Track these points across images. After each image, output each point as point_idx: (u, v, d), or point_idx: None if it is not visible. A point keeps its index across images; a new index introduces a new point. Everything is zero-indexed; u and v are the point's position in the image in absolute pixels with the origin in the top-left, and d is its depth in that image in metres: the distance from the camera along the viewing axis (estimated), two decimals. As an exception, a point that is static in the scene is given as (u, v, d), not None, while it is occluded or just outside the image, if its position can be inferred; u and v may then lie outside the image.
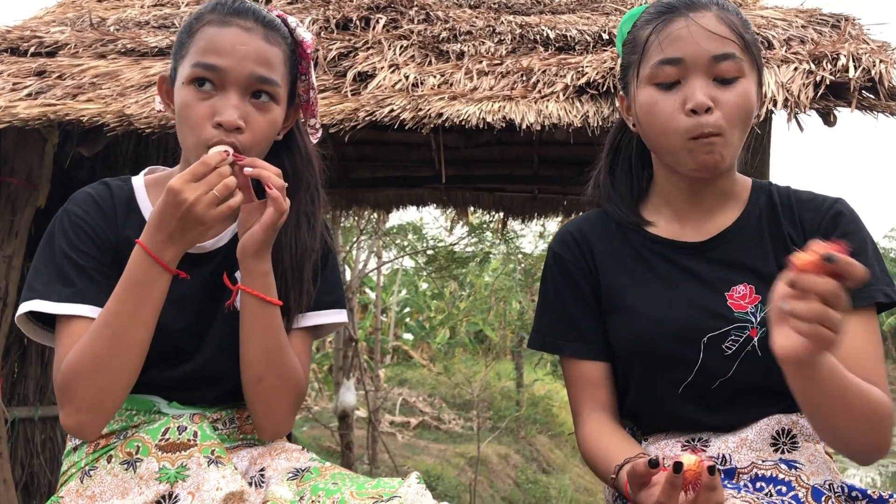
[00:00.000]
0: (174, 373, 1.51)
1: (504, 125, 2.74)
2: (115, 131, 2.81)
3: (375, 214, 7.27)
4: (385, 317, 15.47)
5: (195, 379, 1.52)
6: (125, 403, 1.50)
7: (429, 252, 9.33)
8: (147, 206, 1.52)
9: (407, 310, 17.51)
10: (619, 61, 1.59)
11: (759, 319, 1.44)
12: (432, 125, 2.72)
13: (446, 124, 2.72)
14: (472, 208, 6.58)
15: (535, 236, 10.64)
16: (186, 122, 1.42)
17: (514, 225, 7.12)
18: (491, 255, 9.64)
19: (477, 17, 3.77)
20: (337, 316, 1.64)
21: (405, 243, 11.51)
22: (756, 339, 1.43)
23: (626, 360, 1.54)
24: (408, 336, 17.98)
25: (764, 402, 1.46)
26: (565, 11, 4.03)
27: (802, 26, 3.52)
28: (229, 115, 1.38)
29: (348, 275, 9.60)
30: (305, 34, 1.54)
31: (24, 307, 1.43)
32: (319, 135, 1.69)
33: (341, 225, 7.52)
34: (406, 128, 2.75)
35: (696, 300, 1.47)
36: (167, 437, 1.40)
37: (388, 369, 14.30)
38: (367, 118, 2.76)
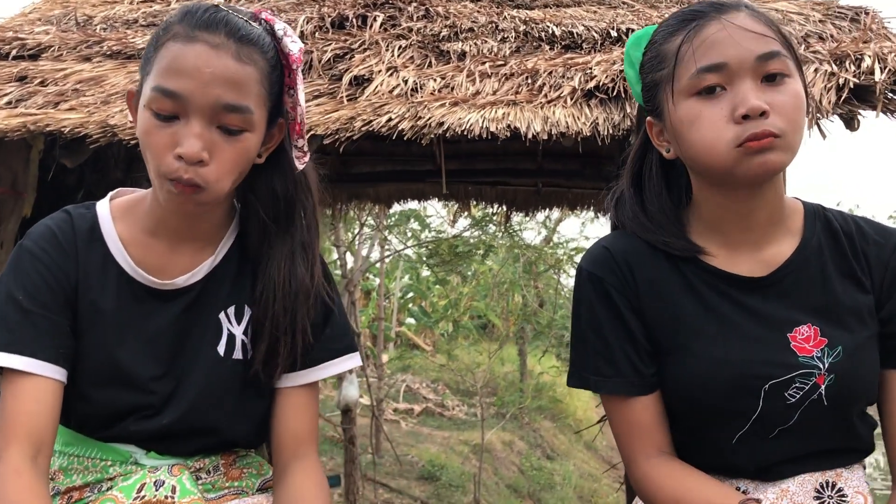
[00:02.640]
0: (150, 425, 1.37)
1: (508, 134, 2.60)
2: (98, 143, 2.66)
3: (376, 208, 7.13)
4: (388, 302, 15.39)
5: (174, 433, 1.39)
6: (100, 453, 1.40)
7: (429, 246, 9.20)
8: (112, 236, 1.38)
9: (410, 295, 17.43)
10: (640, 85, 1.40)
11: (826, 365, 1.29)
12: (433, 135, 2.58)
13: (447, 134, 2.57)
14: (474, 202, 6.45)
15: (538, 225, 10.53)
16: (148, 151, 1.26)
17: (518, 217, 6.97)
18: (493, 248, 9.51)
19: (479, 13, 3.61)
20: (350, 361, 1.51)
21: (408, 232, 11.39)
22: (823, 387, 1.29)
23: (675, 407, 1.38)
24: (410, 321, 17.92)
25: (819, 457, 1.34)
26: (571, 4, 3.86)
27: (820, 21, 3.36)
28: (190, 147, 1.21)
29: (350, 262, 9.49)
30: (293, 45, 1.34)
31: None
32: (307, 158, 1.48)
33: (343, 217, 7.39)
34: (405, 138, 2.60)
35: (756, 343, 1.32)
36: (143, 494, 1.30)
37: (391, 356, 14.23)
38: (363, 128, 2.62)
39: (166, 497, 1.29)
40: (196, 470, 1.42)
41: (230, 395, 1.42)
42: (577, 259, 10.53)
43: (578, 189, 5.96)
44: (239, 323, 1.44)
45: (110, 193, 1.46)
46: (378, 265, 11.60)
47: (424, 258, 9.65)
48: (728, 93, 1.23)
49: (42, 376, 1.27)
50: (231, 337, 1.43)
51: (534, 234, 10.63)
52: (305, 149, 1.45)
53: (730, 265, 1.36)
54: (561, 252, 10.46)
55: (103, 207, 1.41)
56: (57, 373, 1.29)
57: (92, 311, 1.36)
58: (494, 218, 7.40)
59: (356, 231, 8.87)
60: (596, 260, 1.42)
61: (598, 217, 6.62)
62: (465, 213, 6.79)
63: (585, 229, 11.27)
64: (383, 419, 9.82)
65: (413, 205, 7.32)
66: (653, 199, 1.43)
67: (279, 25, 1.34)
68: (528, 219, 6.94)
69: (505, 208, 6.33)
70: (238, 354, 1.43)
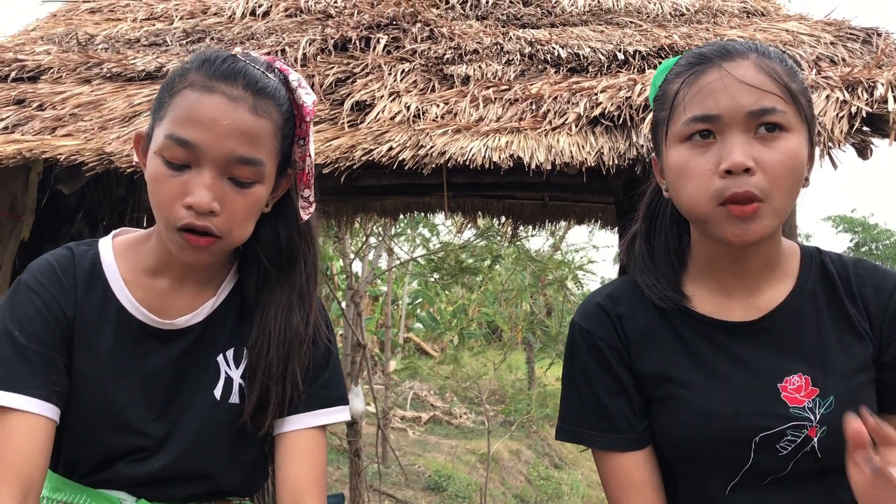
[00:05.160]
0: (142, 469, 1.34)
1: (511, 165, 2.54)
2: (94, 170, 2.62)
3: (382, 221, 7.10)
4: (396, 308, 15.37)
5: (167, 478, 1.35)
6: (88, 500, 1.36)
7: (435, 258, 9.17)
8: (114, 273, 1.36)
9: (419, 301, 17.41)
10: (650, 118, 1.40)
11: (818, 417, 1.25)
12: (434, 165, 2.52)
13: (449, 164, 2.52)
14: (480, 214, 6.39)
15: (546, 232, 10.46)
16: (156, 198, 1.24)
17: (525, 230, 6.91)
18: (500, 258, 9.46)
19: (484, 33, 3.55)
20: (342, 414, 1.47)
21: (416, 238, 11.35)
22: (816, 439, 1.25)
23: (667, 458, 1.36)
24: (419, 326, 17.91)
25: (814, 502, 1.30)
26: (577, 23, 3.80)
27: (831, 43, 3.29)
28: (201, 198, 1.20)
29: (359, 269, 9.45)
30: (307, 98, 1.34)
31: None
32: (313, 209, 1.47)
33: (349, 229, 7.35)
34: (406, 168, 2.55)
35: (745, 394, 1.28)
36: None
37: (399, 362, 14.19)
38: (363, 157, 2.56)
39: None
40: None
41: (225, 439, 1.39)
42: (586, 269, 10.47)
43: (585, 203, 5.89)
44: (237, 366, 1.41)
45: (113, 232, 1.45)
46: (386, 272, 11.60)
47: (429, 271, 9.61)
48: (718, 143, 1.20)
49: (34, 414, 1.24)
50: (228, 380, 1.40)
51: (541, 241, 10.61)
52: (311, 199, 1.44)
53: (722, 311, 1.34)
54: (567, 266, 10.41)
55: (105, 245, 1.40)
56: (49, 411, 1.26)
57: (88, 349, 1.33)
58: (501, 231, 7.34)
59: (362, 242, 8.83)
60: (588, 315, 1.42)
61: (604, 230, 6.55)
62: (471, 226, 6.74)
63: (594, 238, 11.18)
64: (390, 427, 9.77)
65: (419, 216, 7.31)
66: (661, 234, 1.43)
67: (293, 76, 1.34)
68: (534, 232, 6.87)
69: (511, 221, 6.27)
70: (235, 399, 1.40)
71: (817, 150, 2.54)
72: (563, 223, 6.78)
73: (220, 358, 1.40)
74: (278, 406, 1.38)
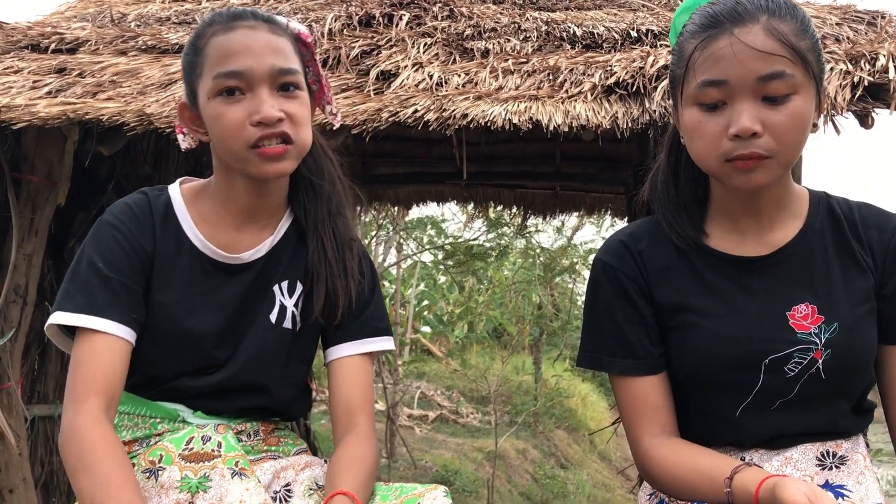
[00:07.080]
0: (204, 382, 1.50)
1: (530, 126, 2.67)
2: (135, 130, 2.77)
3: (395, 210, 7.23)
4: (403, 310, 15.44)
5: (226, 389, 1.51)
6: (148, 411, 1.51)
7: (447, 247, 9.27)
8: (184, 215, 1.52)
9: (425, 303, 17.47)
10: (670, 66, 1.48)
11: (823, 341, 1.37)
12: (457, 126, 2.66)
13: (471, 125, 2.66)
14: (492, 204, 6.53)
15: (553, 230, 10.56)
16: (224, 132, 1.40)
17: (535, 221, 7.02)
18: (509, 250, 9.56)
19: (501, 14, 3.70)
20: (388, 343, 1.62)
21: (424, 238, 11.46)
22: (821, 361, 1.37)
23: (682, 380, 1.48)
24: (426, 329, 17.95)
25: (820, 430, 1.42)
26: (591, 7, 3.95)
27: (837, 24, 3.42)
28: (267, 111, 1.37)
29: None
30: (299, 26, 1.53)
31: (50, 319, 1.42)
32: (339, 118, 1.68)
33: (361, 220, 7.47)
34: (430, 129, 2.69)
35: (757, 322, 1.41)
36: (191, 446, 1.39)
37: (405, 363, 14.26)
38: (390, 119, 2.71)
39: (213, 451, 1.37)
40: (238, 432, 1.52)
41: (277, 358, 1.55)
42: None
43: (596, 193, 6.03)
44: (291, 296, 1.57)
45: (179, 179, 1.60)
46: (393, 271, 11.70)
47: (440, 260, 9.71)
48: (728, 108, 1.29)
49: (116, 336, 1.40)
50: (283, 308, 1.56)
51: (550, 239, 10.72)
52: (335, 111, 1.65)
53: (736, 247, 1.45)
54: (577, 256, 10.50)
55: (175, 190, 1.56)
56: (129, 335, 1.42)
57: (165, 280, 1.49)
58: (511, 221, 7.45)
59: (373, 233, 8.95)
60: (611, 251, 1.53)
61: (613, 224, 6.67)
62: (482, 216, 6.87)
63: (602, 232, 11.29)
64: (398, 425, 9.85)
65: (433, 207, 7.45)
66: (689, 171, 1.51)
67: (279, 17, 1.53)
68: (544, 222, 6.99)
69: (522, 211, 6.40)
70: (288, 324, 1.56)
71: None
72: (573, 216, 6.90)
73: (276, 288, 1.56)
74: (344, 296, 1.54)
